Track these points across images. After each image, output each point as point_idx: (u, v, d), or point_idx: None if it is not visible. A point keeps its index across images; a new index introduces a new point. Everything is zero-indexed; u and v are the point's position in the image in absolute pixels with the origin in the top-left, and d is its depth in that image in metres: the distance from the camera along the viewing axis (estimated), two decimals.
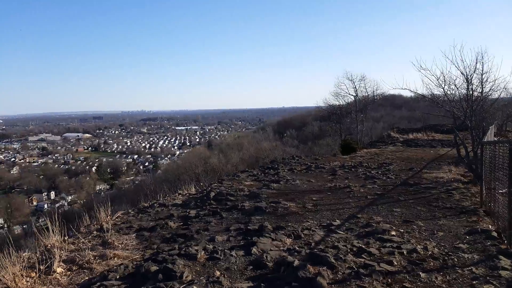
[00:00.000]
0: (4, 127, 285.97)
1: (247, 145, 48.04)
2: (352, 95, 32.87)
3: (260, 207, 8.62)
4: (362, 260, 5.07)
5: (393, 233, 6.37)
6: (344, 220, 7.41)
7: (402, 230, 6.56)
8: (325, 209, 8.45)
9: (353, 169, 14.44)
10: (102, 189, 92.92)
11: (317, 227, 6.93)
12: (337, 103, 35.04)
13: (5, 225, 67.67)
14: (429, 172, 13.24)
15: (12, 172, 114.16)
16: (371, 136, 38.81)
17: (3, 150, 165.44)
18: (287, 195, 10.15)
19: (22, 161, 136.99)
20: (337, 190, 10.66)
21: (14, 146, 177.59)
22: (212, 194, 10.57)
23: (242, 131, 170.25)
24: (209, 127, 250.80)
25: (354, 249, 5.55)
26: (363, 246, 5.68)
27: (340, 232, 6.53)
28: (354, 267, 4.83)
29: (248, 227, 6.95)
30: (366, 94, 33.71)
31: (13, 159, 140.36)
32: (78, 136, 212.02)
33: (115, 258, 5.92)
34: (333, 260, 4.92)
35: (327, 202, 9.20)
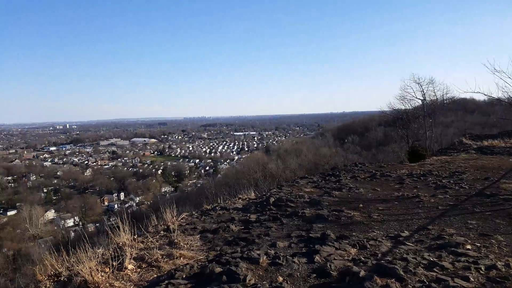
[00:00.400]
0: (78, 132, 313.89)
1: (305, 151, 47.65)
2: (419, 99, 31.11)
3: (321, 214, 8.48)
4: (434, 274, 4.77)
5: (468, 246, 5.91)
6: (413, 231, 7.03)
7: (479, 244, 6.06)
8: (392, 219, 8.08)
9: (422, 178, 13.64)
10: (167, 191, 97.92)
11: (383, 237, 6.65)
12: (403, 107, 33.38)
13: (80, 223, 73.89)
14: (508, 182, 12.08)
15: (85, 174, 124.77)
16: (441, 143, 36.45)
17: (77, 153, 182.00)
18: (350, 203, 9.86)
19: (94, 163, 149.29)
20: (405, 199, 10.14)
21: (87, 150, 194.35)
22: (272, 199, 10.59)
23: (300, 136, 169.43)
24: (267, 132, 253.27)
25: (425, 262, 5.24)
26: (434, 259, 5.34)
27: (409, 243, 6.20)
28: (425, 280, 4.56)
29: (310, 235, 6.87)
30: (435, 98, 31.74)
31: (86, 162, 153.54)
32: (144, 141, 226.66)
33: (181, 258, 6.20)
34: (402, 273, 4.69)
35: (394, 212, 8.79)
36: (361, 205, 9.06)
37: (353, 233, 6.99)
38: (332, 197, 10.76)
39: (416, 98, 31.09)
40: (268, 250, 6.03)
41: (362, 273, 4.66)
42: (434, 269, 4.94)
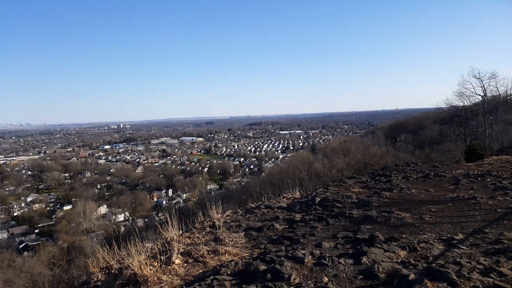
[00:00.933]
0: (131, 132, 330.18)
1: (354, 150, 46.45)
2: (479, 95, 29.18)
3: (370, 215, 8.31)
4: (491, 280, 4.51)
5: None
6: (468, 234, 6.69)
7: None
8: (446, 221, 7.73)
9: (479, 178, 12.89)
10: (213, 188, 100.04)
11: (435, 240, 6.39)
12: (461, 104, 31.50)
13: (130, 218, 77.53)
14: None
15: (137, 171, 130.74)
16: (502, 142, 34.03)
17: (129, 151, 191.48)
18: (401, 204, 9.56)
19: (145, 161, 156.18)
20: (460, 201, 9.65)
21: (139, 148, 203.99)
22: (318, 199, 10.53)
23: (349, 135, 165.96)
24: (313, 131, 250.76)
25: (480, 267, 4.97)
26: (491, 264, 5.05)
27: (463, 247, 5.91)
28: (480, 286, 4.33)
29: (357, 236, 6.75)
30: (497, 93, 29.62)
31: (138, 159, 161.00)
32: (192, 139, 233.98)
33: (226, 254, 6.35)
34: (454, 277, 4.49)
35: (448, 214, 8.40)
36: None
37: (403, 235, 6.78)
38: (382, 197, 10.52)
39: (476, 94, 29.21)
40: (313, 250, 6.02)
41: (411, 276, 4.52)
42: (491, 275, 4.67)
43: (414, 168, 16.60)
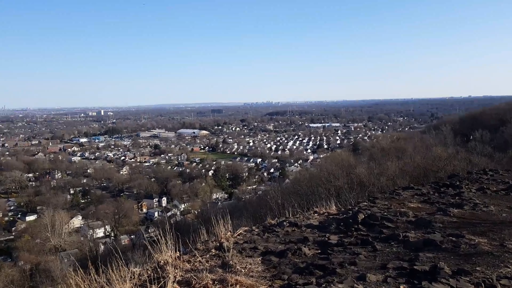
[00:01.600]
0: (114, 121, 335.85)
1: (411, 151, 46.10)
2: None
3: (432, 240, 8.22)
4: None
5: None
6: None
7: None
8: None
9: None
10: (219, 198, 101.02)
11: None
12: None
13: (112, 234, 78.76)
14: None
15: (121, 172, 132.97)
16: None
17: (112, 147, 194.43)
18: (475, 226, 9.44)
19: (132, 160, 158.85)
20: None
21: (125, 142, 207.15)
22: (361, 216, 10.48)
23: (404, 130, 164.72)
24: (355, 124, 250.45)
25: None
26: None
27: None
28: None
29: (414, 267, 6.68)
30: None
31: (123, 157, 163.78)
32: (193, 133, 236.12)
33: (237, 286, 6.34)
34: None
35: None
36: None
37: (477, 268, 6.69)
38: (449, 216, 10.46)
39: None
40: (355, 285, 5.98)
41: None
42: None
43: (493, 177, 16.54)
